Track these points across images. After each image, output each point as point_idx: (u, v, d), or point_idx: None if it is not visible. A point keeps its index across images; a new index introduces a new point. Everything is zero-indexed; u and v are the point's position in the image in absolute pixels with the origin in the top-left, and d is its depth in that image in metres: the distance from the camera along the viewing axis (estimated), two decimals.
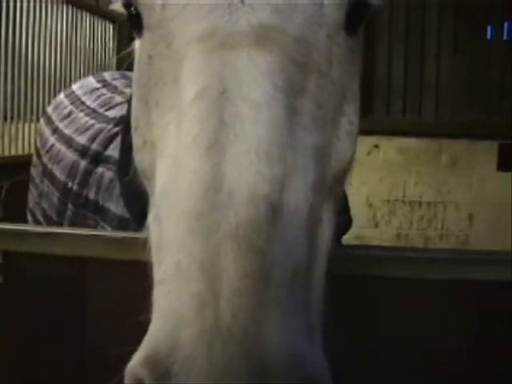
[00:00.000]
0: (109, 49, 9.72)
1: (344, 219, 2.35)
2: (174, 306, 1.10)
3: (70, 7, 8.15)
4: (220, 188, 1.14)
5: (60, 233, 2.27)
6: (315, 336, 1.16)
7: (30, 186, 4.23)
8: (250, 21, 1.29)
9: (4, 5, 6.43)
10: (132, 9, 1.50)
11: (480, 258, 2.08)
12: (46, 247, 2.16)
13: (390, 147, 9.78)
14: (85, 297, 2.18)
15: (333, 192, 1.43)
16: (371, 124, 9.35)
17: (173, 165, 1.23)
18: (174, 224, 1.17)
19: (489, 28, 9.71)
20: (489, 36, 9.70)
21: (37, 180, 4.02)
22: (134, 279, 2.12)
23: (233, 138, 1.18)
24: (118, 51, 9.81)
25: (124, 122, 2.08)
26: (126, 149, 2.07)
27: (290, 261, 1.13)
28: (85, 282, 2.17)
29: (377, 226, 9.81)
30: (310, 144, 1.30)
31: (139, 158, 1.54)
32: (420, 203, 9.77)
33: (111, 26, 9.80)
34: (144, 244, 2.03)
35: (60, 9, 7.83)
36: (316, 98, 1.37)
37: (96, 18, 9.19)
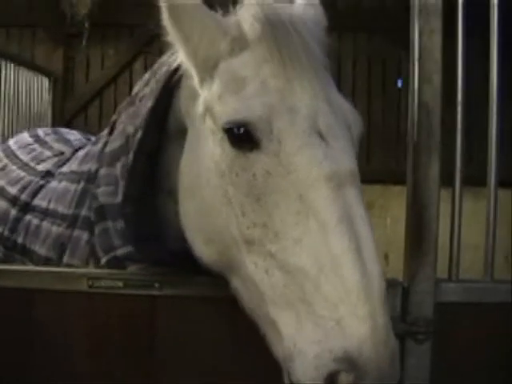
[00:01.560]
0: (44, 101, 10.03)
1: None
2: (352, 334, 1.80)
3: (7, 63, 8.47)
4: (366, 273, 1.86)
5: (11, 269, 2.69)
6: None
7: None
8: (346, 167, 2.03)
9: None
10: (239, 129, 2.09)
11: None
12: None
13: None
14: (33, 325, 2.57)
15: None
16: None
17: (329, 257, 1.91)
18: (341, 289, 1.85)
19: (399, 80, 10.35)
20: (400, 85, 10.37)
21: None
22: (73, 307, 2.58)
23: (364, 244, 1.92)
24: (53, 103, 10.22)
25: (128, 171, 2.58)
26: (133, 185, 2.56)
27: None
28: (32, 312, 2.56)
29: None
30: None
31: (249, 233, 2.08)
32: None
33: (47, 80, 10.17)
34: (79, 277, 2.51)
35: None
36: None
37: (32, 72, 9.52)
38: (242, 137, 2.08)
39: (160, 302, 2.53)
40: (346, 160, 2.03)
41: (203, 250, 2.34)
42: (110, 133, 3.09)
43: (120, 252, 2.73)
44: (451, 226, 2.63)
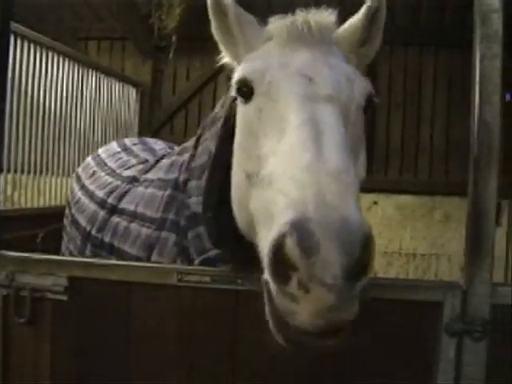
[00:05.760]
0: (132, 110, 10.46)
1: None
2: (296, 200, 1.87)
3: (98, 73, 8.88)
4: (322, 156, 2.00)
5: (113, 264, 3.03)
6: None
7: (63, 233, 4.99)
8: (324, 91, 2.28)
9: (37, 71, 7.07)
10: (244, 87, 2.46)
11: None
12: (102, 274, 2.91)
13: (388, 204, 10.35)
14: (130, 313, 2.90)
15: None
16: (371, 183, 10.10)
17: (290, 152, 2.09)
18: (293, 168, 2.00)
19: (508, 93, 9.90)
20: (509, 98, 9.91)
21: (68, 228, 4.81)
22: (166, 300, 2.88)
23: (326, 139, 2.08)
24: (141, 114, 10.61)
25: (205, 181, 2.93)
26: (211, 193, 2.87)
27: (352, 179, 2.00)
28: (130, 301, 2.89)
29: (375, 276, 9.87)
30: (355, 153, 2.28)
31: (248, 167, 2.39)
32: (415, 255, 10.21)
33: (134, 91, 10.60)
34: (170, 272, 2.81)
35: (89, 74, 8.56)
36: (351, 134, 2.31)
37: (122, 83, 9.94)
38: (246, 93, 2.44)
39: (242, 297, 2.80)
40: (326, 89, 2.29)
41: (239, 217, 2.62)
42: (196, 146, 3.39)
43: (212, 253, 3.03)
44: (507, 236, 2.81)
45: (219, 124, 2.92)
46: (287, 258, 1.77)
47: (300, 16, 2.57)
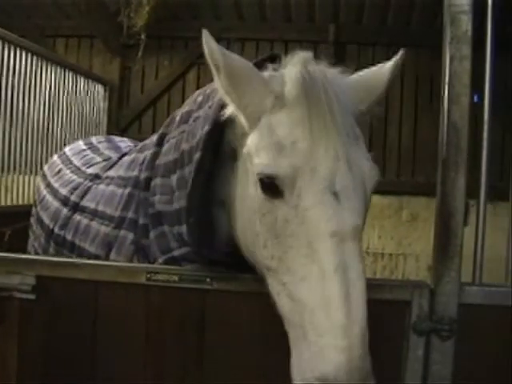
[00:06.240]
0: (100, 109, 10.38)
1: None
2: (331, 361, 2.05)
3: (66, 71, 8.79)
4: (350, 314, 2.10)
5: (81, 262, 3.00)
6: None
7: (30, 232, 4.96)
8: (351, 223, 2.24)
9: (4, 67, 6.99)
10: (268, 180, 2.35)
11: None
12: (71, 273, 2.88)
13: None
14: (97, 312, 2.87)
15: None
16: None
17: (324, 297, 2.15)
18: (328, 324, 2.11)
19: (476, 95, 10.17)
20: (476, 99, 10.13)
21: (33, 227, 4.79)
22: (134, 299, 2.87)
23: (353, 291, 2.14)
24: (109, 112, 10.56)
25: (190, 187, 2.81)
26: (194, 199, 2.80)
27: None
28: (97, 301, 2.87)
29: None
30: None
31: (268, 262, 2.39)
32: (383, 255, 10.28)
33: (103, 89, 10.52)
34: (139, 271, 2.79)
35: (57, 72, 8.47)
36: None
37: (89, 81, 9.85)
38: (270, 186, 2.34)
39: (210, 296, 2.80)
40: (352, 218, 2.25)
41: (248, 257, 2.66)
42: (159, 144, 3.35)
43: (177, 253, 3.01)
44: (475, 235, 2.83)
45: (206, 127, 2.78)
46: None
47: (314, 79, 2.46)
